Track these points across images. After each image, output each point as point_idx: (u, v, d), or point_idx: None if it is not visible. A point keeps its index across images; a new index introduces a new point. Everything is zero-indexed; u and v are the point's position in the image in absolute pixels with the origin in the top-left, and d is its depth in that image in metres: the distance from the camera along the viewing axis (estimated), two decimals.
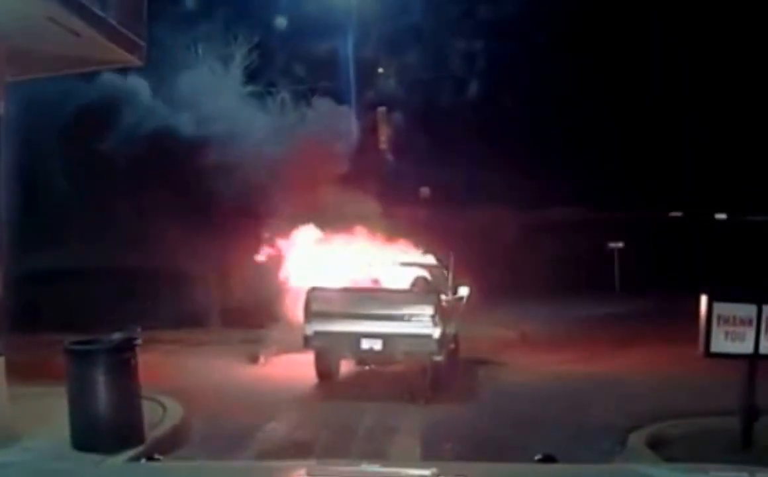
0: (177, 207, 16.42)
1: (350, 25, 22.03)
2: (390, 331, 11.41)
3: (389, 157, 22.07)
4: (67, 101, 17.20)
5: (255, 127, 18.97)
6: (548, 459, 3.39)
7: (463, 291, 13.24)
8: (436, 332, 11.35)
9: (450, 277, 13.06)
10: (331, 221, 14.53)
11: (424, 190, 23.32)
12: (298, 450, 8.50)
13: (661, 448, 8.18)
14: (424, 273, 13.26)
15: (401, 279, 13.14)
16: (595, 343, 15.25)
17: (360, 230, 14.32)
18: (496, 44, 22.81)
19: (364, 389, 11.76)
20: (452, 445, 8.72)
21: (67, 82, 15.40)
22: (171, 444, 8.32)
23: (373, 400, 10.75)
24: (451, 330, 12.35)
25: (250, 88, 20.35)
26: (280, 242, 14.78)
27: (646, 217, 24.69)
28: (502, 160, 21.05)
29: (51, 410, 8.44)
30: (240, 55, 20.24)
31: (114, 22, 8.96)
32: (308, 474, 3.67)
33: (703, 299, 8.11)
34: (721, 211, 26.31)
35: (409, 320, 11.44)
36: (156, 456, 3.86)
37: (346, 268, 13.32)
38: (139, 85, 18.88)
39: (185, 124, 18.49)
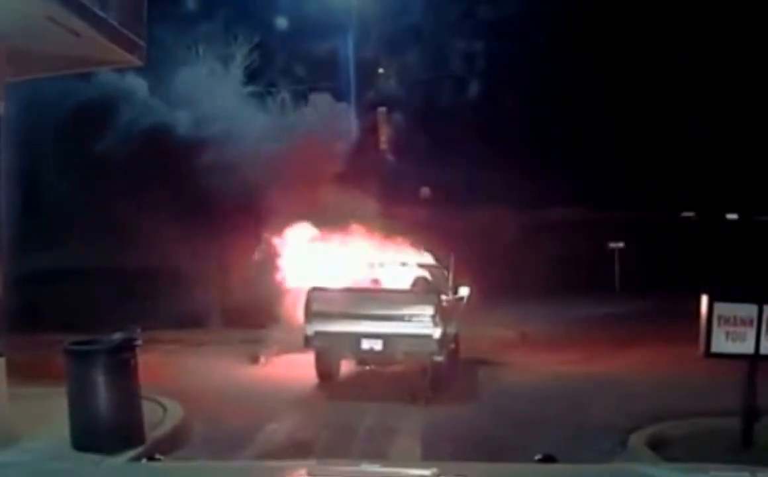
0: (177, 207, 16.42)
1: (350, 26, 22.05)
2: (390, 332, 11.41)
3: (389, 157, 22.07)
4: (68, 101, 17.19)
5: (255, 127, 18.97)
6: (548, 459, 3.39)
7: (464, 291, 13.24)
8: (437, 332, 11.34)
9: (450, 277, 13.06)
10: (331, 221, 14.53)
11: (425, 190, 23.31)
12: (299, 450, 8.49)
13: (661, 448, 8.17)
14: (425, 273, 13.26)
15: (401, 279, 13.14)
16: (596, 343, 15.24)
17: (360, 230, 14.31)
18: (496, 44, 22.83)
19: (365, 389, 11.76)
20: (452, 446, 8.70)
21: (67, 81, 15.40)
22: (171, 445, 8.32)
23: (374, 401, 10.74)
24: (451, 330, 12.34)
25: (250, 88, 20.35)
26: (281, 242, 14.77)
27: (646, 217, 24.69)
28: (502, 160, 21.04)
29: (51, 411, 8.43)
30: (240, 55, 20.24)
31: (114, 22, 8.96)
32: (309, 474, 3.66)
33: (704, 299, 8.10)
34: (720, 211, 26.33)
35: (409, 320, 11.44)
36: (157, 456, 3.86)
37: (347, 269, 13.32)
38: (138, 84, 18.89)
39: (185, 123, 18.49)
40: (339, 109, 20.28)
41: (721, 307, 8.08)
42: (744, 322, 8.05)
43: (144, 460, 4.52)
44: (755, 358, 8.07)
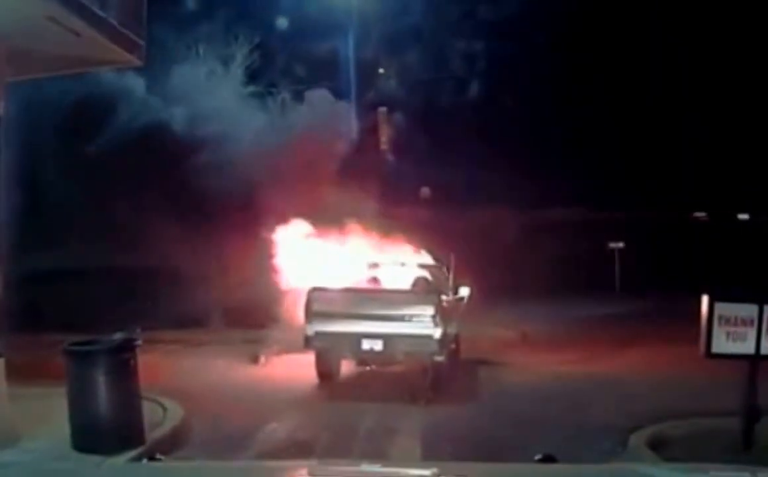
0: (178, 206, 16.42)
1: (351, 26, 22.06)
2: (391, 332, 11.41)
3: (390, 157, 22.07)
4: (68, 100, 17.18)
5: (256, 127, 18.98)
6: (548, 459, 3.39)
7: (464, 291, 13.24)
8: (437, 333, 11.34)
9: (450, 277, 13.06)
10: (332, 221, 14.52)
11: (425, 191, 23.32)
12: (299, 450, 8.49)
13: (662, 448, 8.17)
14: (425, 273, 13.26)
15: (402, 279, 13.14)
16: (596, 344, 15.23)
17: (361, 230, 14.31)
18: (496, 44, 22.83)
19: (365, 390, 11.75)
20: (452, 446, 8.70)
21: (66, 81, 15.37)
22: (171, 445, 8.31)
23: (374, 401, 10.74)
24: (451, 330, 12.34)
25: (251, 88, 20.35)
26: (281, 242, 14.76)
27: (646, 217, 24.69)
28: (502, 160, 21.04)
29: (51, 411, 8.43)
30: (241, 56, 20.25)
31: (114, 22, 8.95)
32: (309, 474, 3.66)
33: (705, 299, 8.09)
34: (720, 211, 26.33)
35: (409, 321, 11.43)
36: (158, 456, 3.86)
37: (347, 269, 13.31)
38: (138, 84, 18.88)
39: (185, 123, 18.49)
40: (337, 104, 20.27)
41: (721, 307, 8.07)
42: (745, 323, 8.04)
43: (145, 460, 4.51)
44: (756, 358, 8.06)
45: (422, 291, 12.58)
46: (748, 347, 8.04)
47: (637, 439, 8.51)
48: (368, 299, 12.10)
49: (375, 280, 13.18)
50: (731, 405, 8.26)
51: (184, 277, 16.19)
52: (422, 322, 11.37)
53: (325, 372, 12.12)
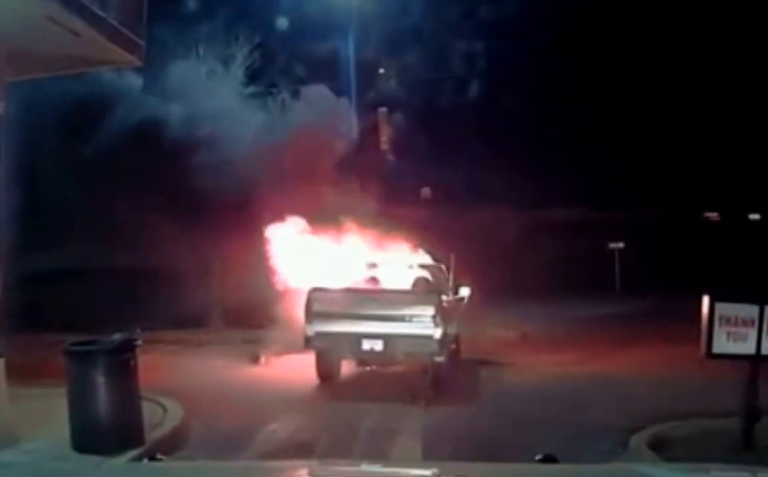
0: (178, 207, 16.41)
1: (351, 26, 22.05)
2: (391, 332, 11.40)
3: (390, 157, 22.06)
4: (68, 100, 17.17)
5: (256, 126, 18.97)
6: (549, 459, 3.39)
7: (464, 291, 13.23)
8: (437, 333, 11.33)
9: (451, 277, 13.05)
10: (332, 221, 14.51)
11: (425, 191, 23.33)
12: (299, 451, 8.49)
13: (662, 448, 8.16)
14: (425, 273, 13.25)
15: (402, 279, 13.13)
16: (596, 344, 15.23)
17: (361, 230, 14.30)
18: (496, 44, 22.84)
19: (365, 390, 11.75)
20: (452, 446, 8.70)
21: (66, 81, 15.36)
22: (171, 445, 8.30)
23: (374, 401, 10.73)
24: (452, 330, 12.34)
25: (251, 88, 20.34)
26: (281, 242, 14.75)
27: (646, 217, 24.70)
28: (502, 160, 21.05)
29: (51, 411, 8.42)
30: (241, 56, 20.23)
31: (114, 22, 8.95)
32: (309, 474, 3.66)
33: (705, 300, 8.09)
34: (720, 211, 26.34)
35: (410, 321, 11.43)
36: (158, 456, 3.86)
37: (347, 269, 13.30)
38: (138, 84, 18.86)
39: (185, 123, 18.46)
40: (337, 101, 20.24)
41: (722, 308, 8.06)
42: (745, 323, 8.04)
43: (145, 461, 4.51)
44: (756, 358, 8.06)
45: (422, 291, 12.58)
46: (748, 347, 8.03)
47: (637, 440, 8.50)
48: (368, 299, 12.09)
49: (374, 280, 13.18)
50: (731, 405, 8.26)
51: (184, 277, 16.19)
52: (422, 323, 11.37)
53: (326, 372, 12.12)
